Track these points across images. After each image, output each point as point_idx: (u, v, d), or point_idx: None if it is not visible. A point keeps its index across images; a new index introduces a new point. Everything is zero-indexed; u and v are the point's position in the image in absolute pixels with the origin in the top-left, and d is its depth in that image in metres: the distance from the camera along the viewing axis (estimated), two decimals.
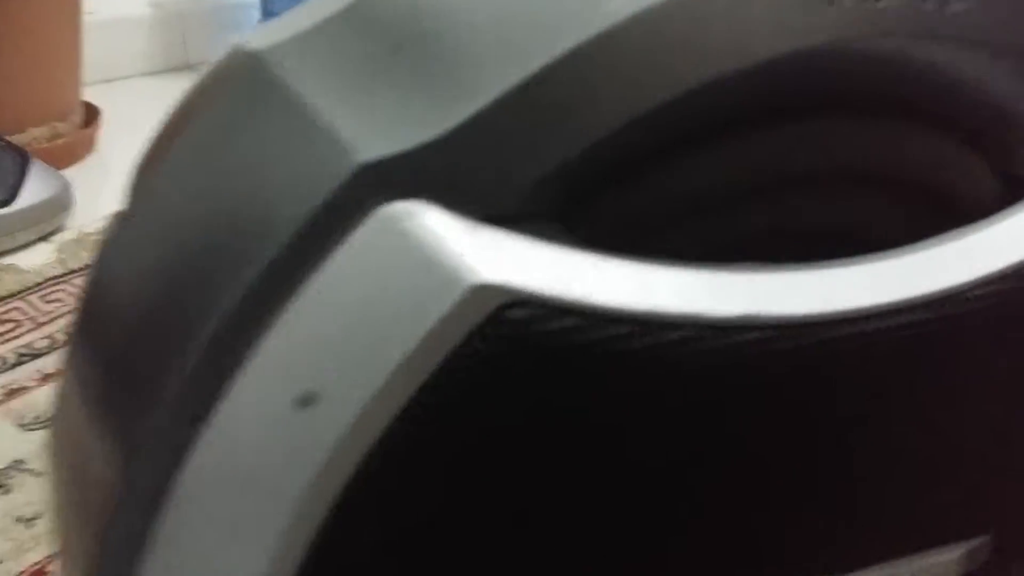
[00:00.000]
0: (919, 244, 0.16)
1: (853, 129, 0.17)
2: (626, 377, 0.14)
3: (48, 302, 0.61)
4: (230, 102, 0.18)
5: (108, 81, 1.14)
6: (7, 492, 0.43)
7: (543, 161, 0.14)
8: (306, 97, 0.16)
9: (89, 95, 0.98)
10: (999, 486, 0.20)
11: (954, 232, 0.17)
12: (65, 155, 0.86)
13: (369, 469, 0.13)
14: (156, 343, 0.15)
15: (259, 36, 0.19)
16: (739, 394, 0.15)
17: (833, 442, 0.16)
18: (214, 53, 1.09)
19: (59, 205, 0.72)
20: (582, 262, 0.14)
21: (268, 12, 1.30)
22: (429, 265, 0.13)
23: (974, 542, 0.20)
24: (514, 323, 0.13)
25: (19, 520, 0.42)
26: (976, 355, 0.17)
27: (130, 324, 0.16)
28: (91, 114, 0.96)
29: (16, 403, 0.50)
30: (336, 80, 0.16)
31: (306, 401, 0.13)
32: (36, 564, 0.39)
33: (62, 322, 0.58)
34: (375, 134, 0.14)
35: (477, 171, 0.14)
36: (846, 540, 0.18)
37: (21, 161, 0.70)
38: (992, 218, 0.17)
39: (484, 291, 0.13)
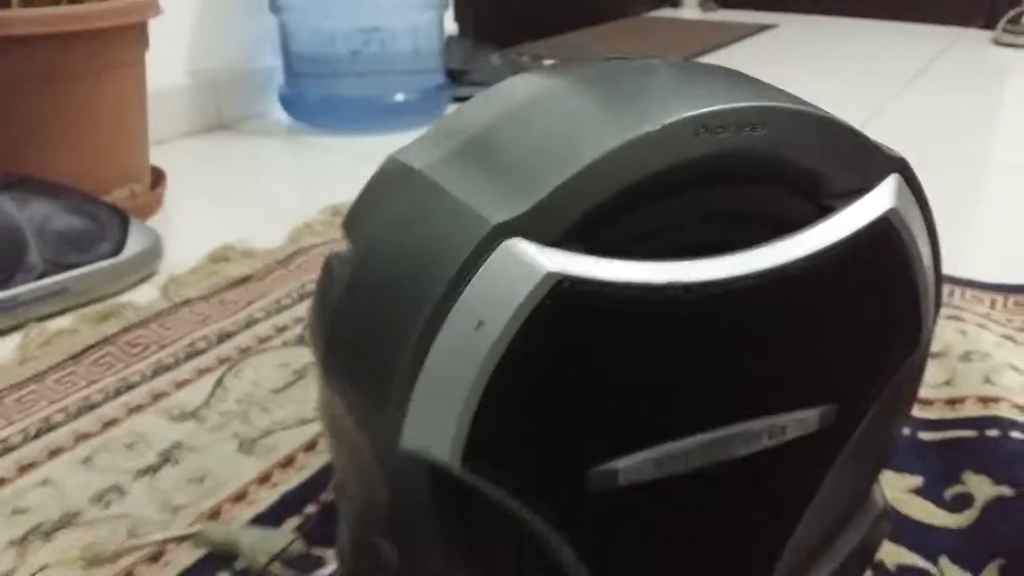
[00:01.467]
0: (765, 243, 0.32)
1: (729, 189, 0.33)
2: (623, 314, 0.30)
3: (166, 328, 0.76)
4: (400, 187, 0.34)
5: (157, 143, 1.29)
6: (176, 463, 0.59)
7: (571, 217, 0.30)
8: (445, 186, 0.32)
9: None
10: (838, 373, 0.36)
11: (785, 236, 0.32)
12: (142, 212, 1.02)
13: (506, 357, 0.28)
14: (384, 334, 0.31)
15: (403, 153, 0.35)
16: (680, 321, 0.31)
17: (730, 345, 0.32)
18: (244, 112, 1.30)
19: (154, 253, 0.87)
20: (595, 260, 0.29)
21: (292, 74, 1.46)
22: (525, 265, 0.29)
23: (827, 407, 0.36)
24: (564, 290, 0.29)
25: (190, 481, 0.57)
26: (800, 298, 0.33)
27: (364, 325, 0.32)
28: (157, 175, 1.11)
29: (162, 403, 0.65)
30: (458, 177, 0.32)
31: (479, 326, 0.28)
32: (212, 508, 0.54)
33: (181, 344, 0.74)
34: (493, 208, 0.30)
35: (541, 224, 0.30)
36: (744, 400, 0.34)
37: (122, 218, 0.86)
38: (807, 227, 0.33)
39: (549, 276, 0.29)
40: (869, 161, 0.36)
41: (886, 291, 0.36)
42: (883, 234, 0.35)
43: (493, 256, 0.29)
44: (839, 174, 0.35)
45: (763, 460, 0.35)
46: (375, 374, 0.31)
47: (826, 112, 0.35)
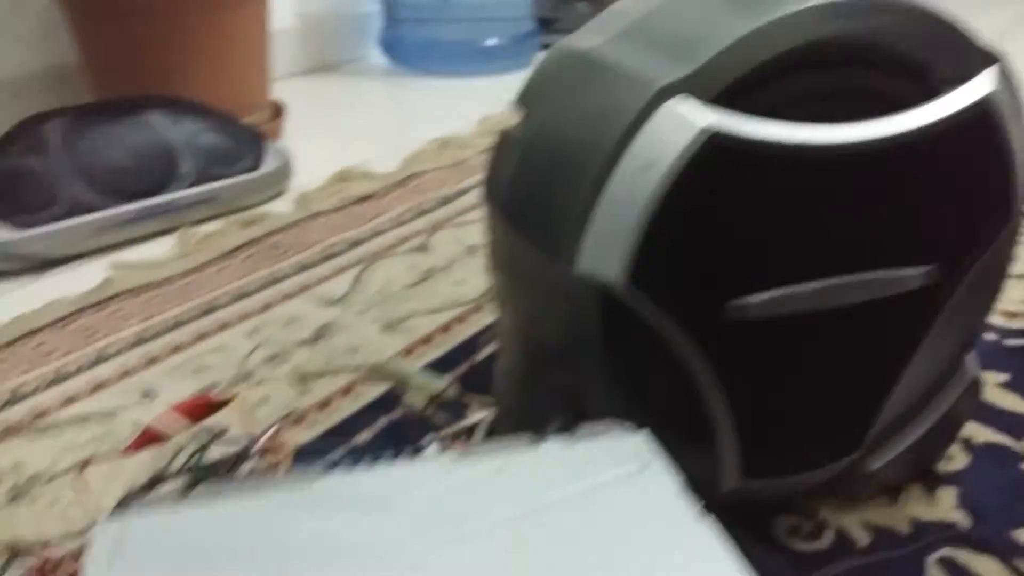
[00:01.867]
0: (881, 117, 0.38)
1: (852, 69, 0.39)
2: (763, 167, 0.36)
3: (304, 235, 0.85)
4: (571, 64, 0.40)
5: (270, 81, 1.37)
6: (330, 337, 0.67)
7: (724, 82, 0.36)
8: (612, 62, 0.38)
9: None
10: (939, 238, 0.42)
11: (898, 112, 0.38)
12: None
13: (667, 196, 0.35)
14: (564, 179, 0.38)
15: (568, 41, 0.42)
16: (809, 177, 0.37)
17: (850, 202, 0.38)
18: (346, 55, 1.39)
19: (286, 172, 0.96)
20: (743, 119, 0.36)
21: (391, 19, 1.53)
22: (685, 121, 0.35)
23: (929, 267, 0.42)
24: (716, 143, 0.35)
25: (346, 351, 0.65)
26: (909, 167, 0.39)
27: (545, 174, 0.39)
28: (275, 107, 1.20)
29: (309, 293, 0.74)
30: (623, 54, 0.39)
31: (646, 168, 0.35)
32: (348, 382, 0.62)
33: (318, 247, 0.82)
34: (656, 75, 0.36)
35: (698, 88, 0.36)
36: (858, 253, 0.40)
37: (258, 139, 0.94)
38: (916, 106, 0.39)
39: (704, 130, 0.35)
40: (971, 54, 0.41)
41: (983, 167, 0.42)
42: (981, 116, 0.41)
43: (658, 113, 0.35)
44: (945, 63, 0.41)
45: (871, 312, 0.41)
46: (556, 213, 0.38)
47: (937, 7, 0.40)
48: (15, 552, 0.48)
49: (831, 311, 0.40)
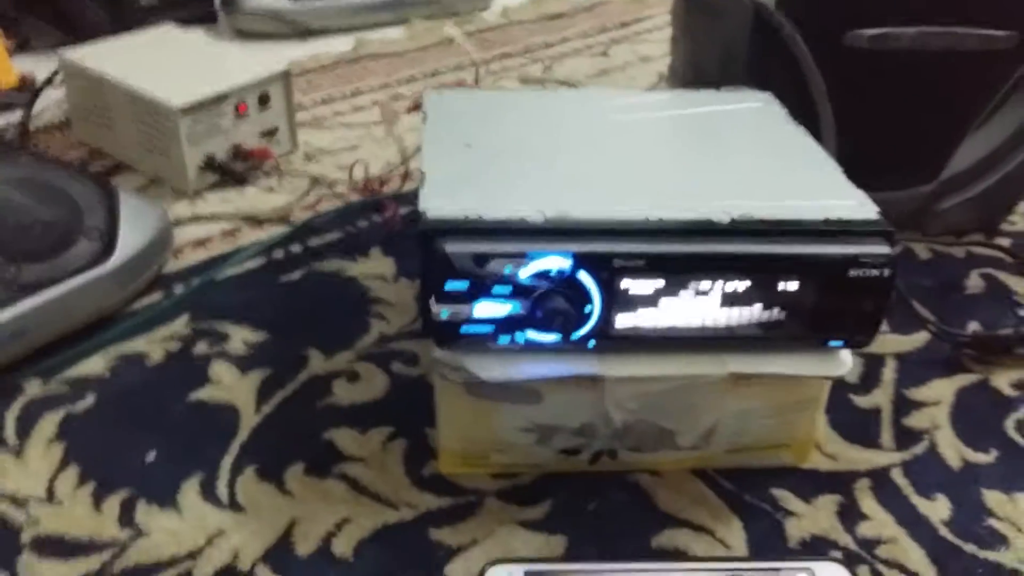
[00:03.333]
0: None
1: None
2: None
3: (508, 35, 1.01)
4: None
5: None
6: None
7: None
8: None
9: None
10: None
11: None
12: None
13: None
14: None
15: None
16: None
17: None
18: None
19: None
20: None
21: None
22: None
23: (1010, 32, 0.54)
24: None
25: None
26: None
27: None
28: None
29: (508, 74, 0.91)
30: None
31: None
32: None
33: (519, 44, 0.99)
34: None
35: None
36: (958, 8, 0.53)
37: None
38: None
39: None
40: None
41: None
42: None
43: None
44: None
45: (959, 62, 0.54)
46: None
47: None
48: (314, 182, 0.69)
49: (926, 54, 0.54)
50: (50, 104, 0.78)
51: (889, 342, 0.53)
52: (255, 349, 0.52)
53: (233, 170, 0.69)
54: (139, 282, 0.56)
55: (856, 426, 0.47)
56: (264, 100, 0.70)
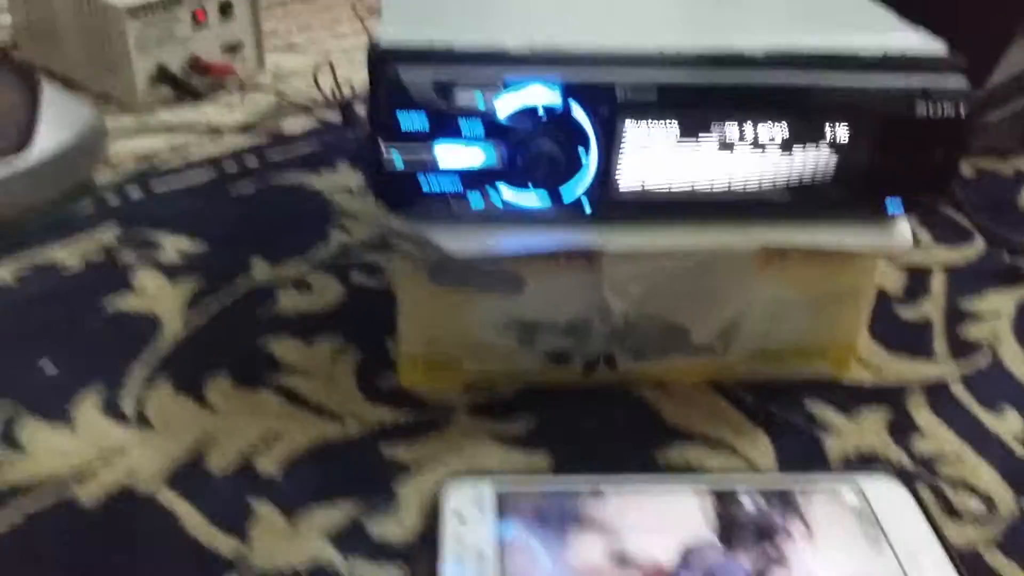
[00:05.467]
0: None
1: None
2: None
3: None
4: None
5: None
6: None
7: None
8: None
9: None
10: None
11: None
12: None
13: None
14: None
15: None
16: None
17: None
18: None
19: None
20: None
21: None
22: None
23: None
24: None
25: None
26: None
27: None
28: None
29: None
30: None
31: None
32: None
33: None
34: None
35: None
36: None
37: None
38: None
39: None
40: None
41: None
42: None
43: None
44: None
45: None
46: None
47: None
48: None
49: None
50: None
51: (937, 253, 0.44)
52: (190, 259, 0.43)
53: (188, 84, 0.60)
54: (61, 185, 0.47)
55: (903, 337, 0.38)
56: (226, 9, 0.61)
